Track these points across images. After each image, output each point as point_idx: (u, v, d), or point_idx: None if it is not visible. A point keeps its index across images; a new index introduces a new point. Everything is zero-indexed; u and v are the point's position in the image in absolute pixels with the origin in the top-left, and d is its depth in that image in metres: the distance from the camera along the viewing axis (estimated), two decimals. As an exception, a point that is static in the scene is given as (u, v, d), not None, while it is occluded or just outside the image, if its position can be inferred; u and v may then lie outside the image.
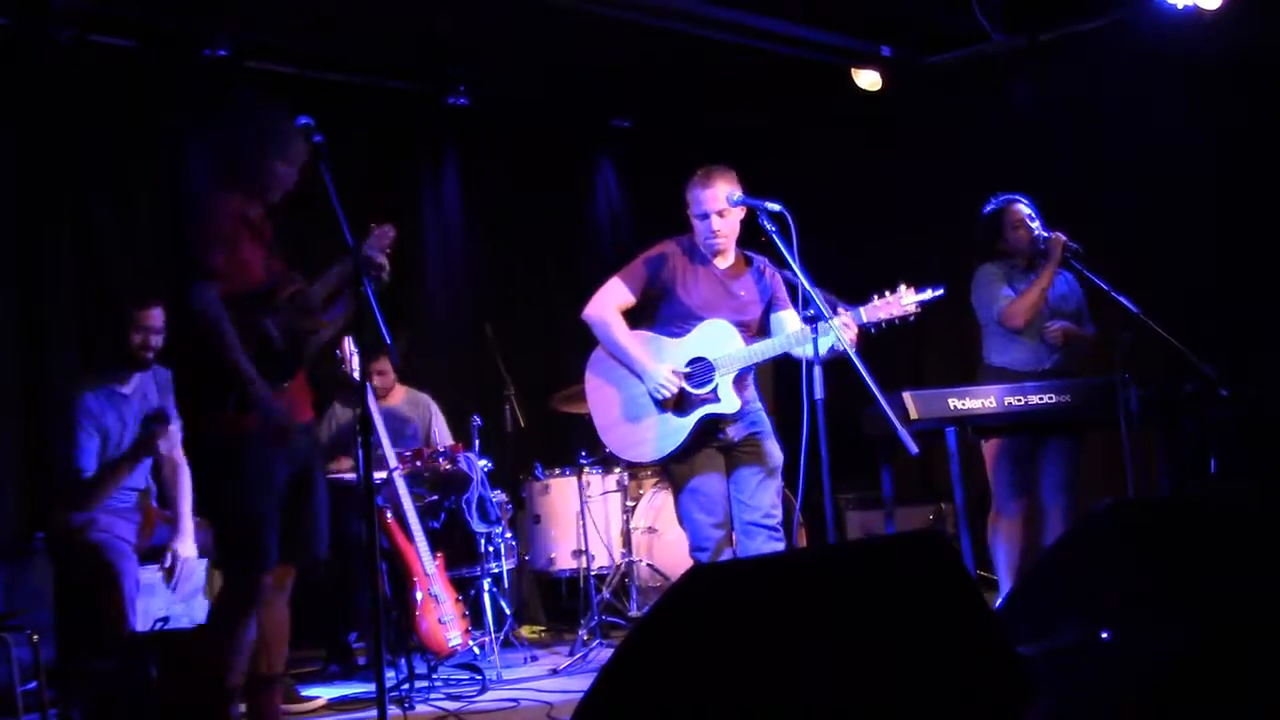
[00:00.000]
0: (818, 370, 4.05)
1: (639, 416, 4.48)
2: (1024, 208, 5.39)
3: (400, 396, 6.55)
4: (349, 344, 5.56)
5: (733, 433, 4.47)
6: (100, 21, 6.13)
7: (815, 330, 4.09)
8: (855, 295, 4.37)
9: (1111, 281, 5.07)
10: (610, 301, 4.54)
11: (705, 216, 4.46)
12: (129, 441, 5.03)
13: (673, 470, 4.50)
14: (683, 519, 4.50)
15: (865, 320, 4.20)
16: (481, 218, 7.96)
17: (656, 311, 4.56)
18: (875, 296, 4.22)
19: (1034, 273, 5.35)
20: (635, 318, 4.61)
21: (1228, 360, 5.06)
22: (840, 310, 4.20)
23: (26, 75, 6.01)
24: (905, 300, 4.18)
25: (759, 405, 4.57)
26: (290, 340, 3.86)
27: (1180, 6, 6.45)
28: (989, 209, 5.47)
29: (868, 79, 7.52)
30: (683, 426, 4.40)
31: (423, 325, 7.49)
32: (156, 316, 5.06)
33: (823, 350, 4.10)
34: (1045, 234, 5.31)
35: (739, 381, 4.39)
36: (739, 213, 4.48)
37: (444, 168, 7.88)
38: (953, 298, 5.53)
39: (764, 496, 4.44)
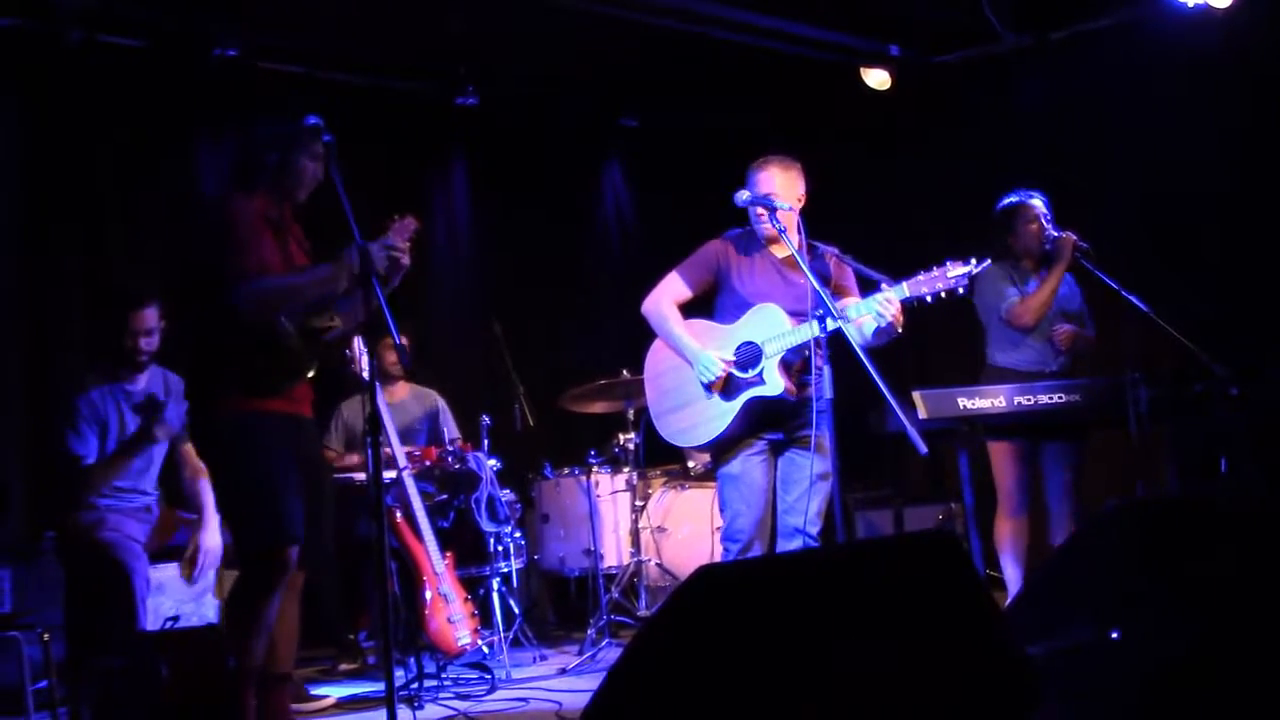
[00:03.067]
0: (827, 370, 4.05)
1: (689, 402, 4.52)
2: (1039, 205, 5.38)
3: (407, 393, 6.57)
4: (358, 343, 5.57)
5: (790, 430, 4.46)
6: (110, 22, 6.14)
7: (824, 326, 4.10)
8: (863, 292, 4.38)
9: (1121, 280, 5.06)
10: (666, 295, 4.60)
11: (754, 201, 4.47)
12: (128, 434, 5.05)
13: (720, 457, 4.53)
14: (722, 507, 4.53)
15: (909, 294, 4.18)
16: (490, 217, 7.97)
17: (715, 303, 4.62)
18: (920, 271, 4.20)
19: (1038, 273, 5.34)
20: (699, 310, 4.65)
21: (1237, 359, 5.04)
22: (883, 286, 4.21)
23: (37, 75, 6.03)
24: (952, 273, 4.13)
25: (827, 409, 4.51)
26: (305, 337, 3.87)
27: (1190, 5, 6.43)
28: (1004, 204, 5.45)
29: (876, 78, 7.51)
30: (729, 410, 4.42)
31: (431, 324, 7.49)
32: (149, 317, 5.07)
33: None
34: (1055, 233, 5.29)
35: (787, 364, 4.38)
36: (793, 200, 4.48)
37: (452, 168, 7.90)
38: (961, 297, 5.54)
39: (809, 503, 4.40)
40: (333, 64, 6.99)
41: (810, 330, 4.25)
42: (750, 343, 4.41)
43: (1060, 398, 5.00)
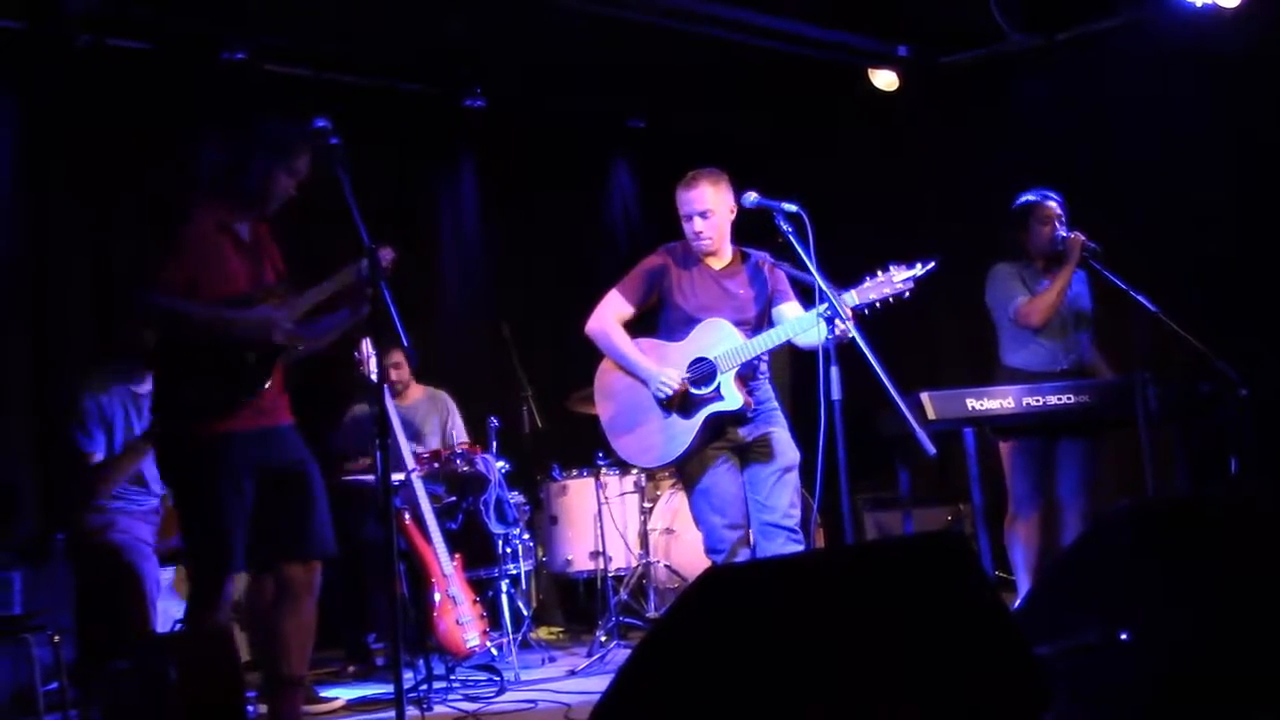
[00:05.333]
0: (834, 371, 4.04)
1: (646, 422, 4.49)
2: (1055, 206, 5.36)
3: (418, 395, 6.57)
4: (367, 345, 5.58)
5: (745, 433, 4.46)
6: (118, 25, 6.16)
7: (832, 329, 4.08)
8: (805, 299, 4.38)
9: (1129, 280, 5.04)
10: (609, 313, 4.59)
11: (689, 218, 4.51)
12: (135, 435, 5.06)
13: (685, 472, 4.51)
14: (697, 520, 4.50)
15: (858, 302, 4.18)
16: (497, 219, 7.98)
17: (659, 319, 4.60)
18: (867, 278, 4.21)
19: (1049, 273, 5.33)
20: (643, 328, 4.64)
21: (1247, 359, 5.03)
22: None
23: (45, 78, 6.06)
24: (897, 278, 4.15)
25: (775, 405, 4.56)
26: (260, 355, 3.85)
27: (1198, 5, 6.42)
28: (1021, 202, 5.43)
29: (884, 79, 7.51)
30: (689, 428, 4.40)
31: (440, 326, 7.51)
32: None
33: (823, 338, 4.11)
34: (1065, 234, 5.29)
35: (742, 378, 4.39)
36: (726, 213, 4.50)
37: (460, 169, 7.91)
38: (970, 297, 5.54)
39: (781, 496, 4.41)
40: (340, 66, 7.00)
41: (766, 340, 4.30)
42: (703, 358, 4.40)
43: (1069, 398, 4.99)
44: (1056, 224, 5.32)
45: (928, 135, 7.68)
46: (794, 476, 4.46)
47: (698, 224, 4.48)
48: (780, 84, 7.66)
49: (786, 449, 4.47)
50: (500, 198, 7.97)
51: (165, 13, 6.21)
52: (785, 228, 4.30)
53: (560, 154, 8.05)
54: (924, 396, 4.93)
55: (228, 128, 4.12)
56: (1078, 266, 5.24)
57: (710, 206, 4.45)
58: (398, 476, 5.59)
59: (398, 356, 6.31)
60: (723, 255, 4.57)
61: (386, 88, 7.30)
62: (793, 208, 4.31)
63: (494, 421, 6.18)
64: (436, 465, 5.93)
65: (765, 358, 4.51)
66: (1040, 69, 7.23)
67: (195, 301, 3.78)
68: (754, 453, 4.47)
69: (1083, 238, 5.22)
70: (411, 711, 4.55)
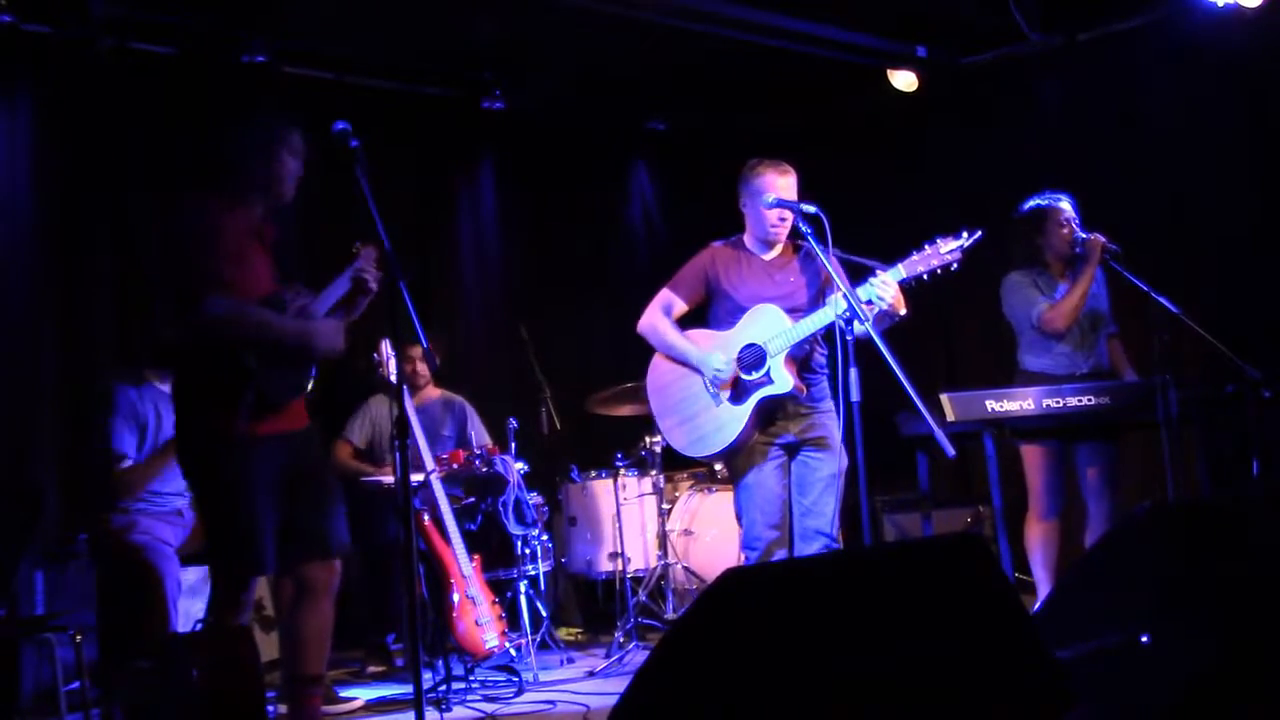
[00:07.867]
0: (854, 372, 4.05)
1: (700, 411, 4.53)
2: (1068, 208, 5.34)
3: (434, 397, 6.57)
4: (386, 346, 5.59)
5: (798, 432, 4.46)
6: (140, 29, 6.20)
7: (850, 330, 4.10)
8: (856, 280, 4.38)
9: (1150, 282, 5.02)
10: (661, 311, 4.65)
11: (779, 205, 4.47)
12: (166, 436, 5.09)
13: (734, 464, 4.53)
14: (739, 514, 4.54)
15: (905, 275, 4.20)
16: (517, 220, 7.99)
17: (710, 313, 4.65)
18: (914, 252, 4.21)
19: (1064, 277, 5.31)
20: (693, 322, 4.68)
21: (1269, 361, 5.00)
22: (878, 271, 4.21)
23: (68, 81, 6.09)
24: (944, 249, 4.15)
25: (831, 406, 4.54)
26: (301, 353, 3.87)
27: (1220, 5, 6.38)
28: (1032, 205, 5.41)
29: (904, 80, 7.49)
30: (741, 414, 4.42)
31: (459, 327, 7.52)
32: None
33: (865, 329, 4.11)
34: (1083, 235, 5.26)
35: (793, 362, 4.39)
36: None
37: (480, 171, 7.92)
38: (990, 298, 5.52)
39: (827, 502, 4.42)
40: (360, 69, 7.02)
41: (810, 324, 4.29)
42: (753, 344, 4.43)
43: (1090, 400, 4.97)
44: (1074, 226, 5.30)
45: (947, 136, 7.65)
46: (841, 484, 4.46)
47: (785, 212, 4.48)
48: (800, 86, 7.65)
49: (838, 455, 4.46)
50: (520, 200, 7.98)
51: (187, 16, 6.23)
52: (804, 229, 4.32)
53: (580, 156, 8.06)
54: (944, 398, 4.92)
55: (217, 127, 4.08)
56: (1097, 268, 5.23)
57: (780, 194, 4.47)
58: (417, 477, 5.60)
59: (417, 350, 6.30)
60: (777, 246, 4.59)
61: (406, 90, 7.31)
62: (811, 209, 4.33)
63: (513, 423, 6.19)
64: (455, 467, 5.94)
65: (824, 352, 4.50)
66: (1061, 70, 7.20)
67: (250, 309, 3.77)
68: (805, 454, 4.48)
69: (1103, 239, 5.20)
70: (431, 712, 4.57)
